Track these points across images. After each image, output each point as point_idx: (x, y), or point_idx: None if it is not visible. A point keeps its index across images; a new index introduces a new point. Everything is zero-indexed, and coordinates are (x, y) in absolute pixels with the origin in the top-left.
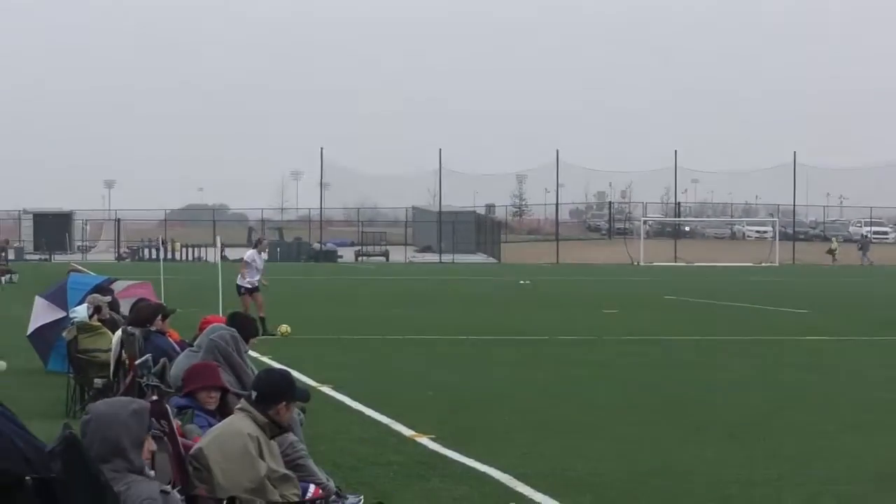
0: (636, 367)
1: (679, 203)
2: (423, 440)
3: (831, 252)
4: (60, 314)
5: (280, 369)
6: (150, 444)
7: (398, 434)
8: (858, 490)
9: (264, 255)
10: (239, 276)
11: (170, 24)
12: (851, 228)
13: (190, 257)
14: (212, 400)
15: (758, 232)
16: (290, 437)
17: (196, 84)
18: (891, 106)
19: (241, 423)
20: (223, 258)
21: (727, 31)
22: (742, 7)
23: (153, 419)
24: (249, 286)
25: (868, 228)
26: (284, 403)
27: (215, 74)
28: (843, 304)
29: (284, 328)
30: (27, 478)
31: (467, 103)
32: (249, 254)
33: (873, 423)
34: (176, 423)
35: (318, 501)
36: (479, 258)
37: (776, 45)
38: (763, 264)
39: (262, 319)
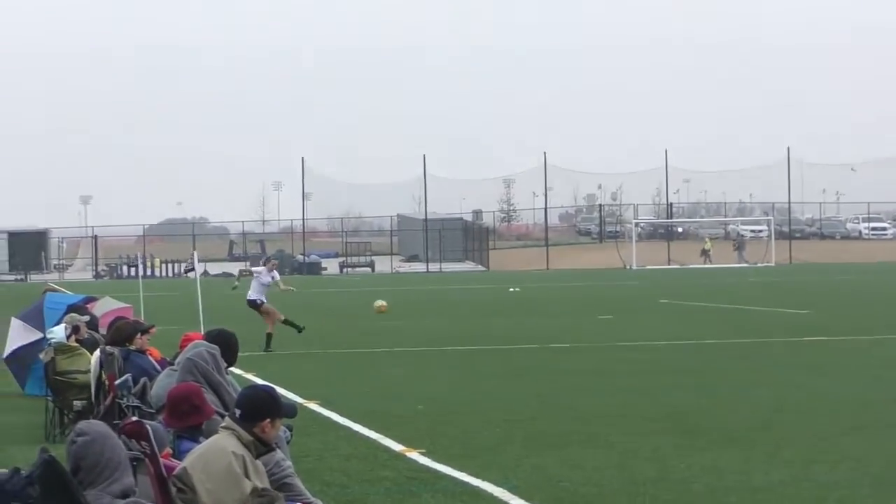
0: (631, 374)
1: (671, 204)
2: (414, 455)
3: (705, 252)
4: (37, 335)
5: (264, 385)
6: None
7: (388, 449)
8: (860, 494)
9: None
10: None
11: (154, 38)
12: (849, 225)
13: (170, 273)
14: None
15: (753, 232)
16: (277, 454)
17: (173, 94)
18: (886, 99)
19: (225, 442)
20: (204, 273)
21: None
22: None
23: (133, 440)
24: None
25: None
26: (269, 420)
27: (193, 84)
28: (844, 302)
29: (381, 304)
30: None
31: (451, 107)
32: (259, 268)
33: (879, 423)
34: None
35: None
36: (467, 266)
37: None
38: (759, 264)
39: (269, 336)
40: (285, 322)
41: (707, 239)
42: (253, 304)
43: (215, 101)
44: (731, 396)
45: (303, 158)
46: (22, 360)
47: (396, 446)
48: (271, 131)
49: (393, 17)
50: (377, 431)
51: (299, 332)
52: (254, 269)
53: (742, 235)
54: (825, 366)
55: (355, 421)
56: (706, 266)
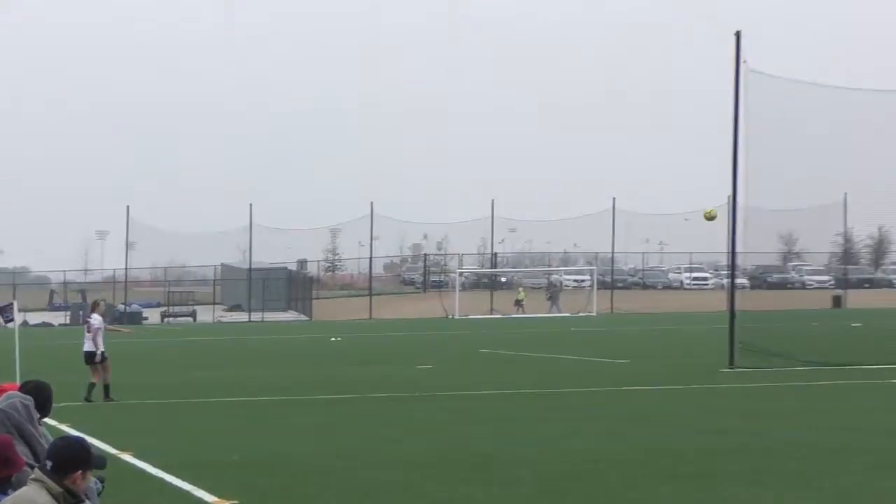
0: (448, 423)
1: (496, 253)
2: None
3: (518, 303)
4: None
5: (75, 437)
6: None
7: (201, 501)
8: None
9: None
10: (92, 342)
11: None
12: (671, 275)
13: None
14: None
15: (576, 281)
16: None
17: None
18: (707, 151)
19: (34, 494)
20: (24, 323)
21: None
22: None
23: None
24: (100, 351)
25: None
26: (80, 472)
27: (15, 130)
28: (663, 352)
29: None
30: None
31: (280, 157)
32: (98, 319)
33: (693, 473)
34: None
35: None
36: (290, 316)
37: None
38: (580, 314)
39: (107, 387)
40: (105, 388)
41: (520, 289)
42: (101, 357)
43: (40, 146)
44: (547, 446)
45: (128, 207)
46: None
47: (209, 497)
48: (97, 180)
49: (236, 60)
50: (191, 483)
51: (107, 399)
52: (93, 323)
53: (555, 285)
54: (643, 415)
55: (168, 472)
56: (522, 316)
